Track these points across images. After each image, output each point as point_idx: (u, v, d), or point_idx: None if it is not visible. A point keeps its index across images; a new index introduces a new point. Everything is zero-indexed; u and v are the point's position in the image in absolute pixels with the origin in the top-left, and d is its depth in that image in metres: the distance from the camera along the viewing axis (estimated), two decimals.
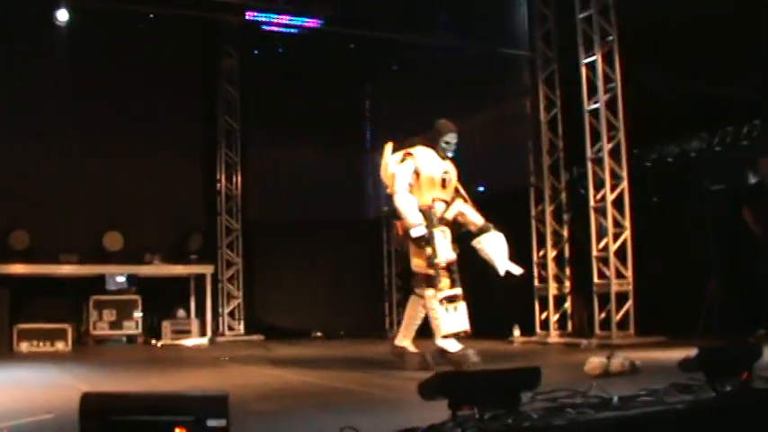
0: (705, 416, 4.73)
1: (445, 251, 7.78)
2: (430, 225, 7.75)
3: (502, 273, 8.11)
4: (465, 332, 7.76)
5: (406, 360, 8.15)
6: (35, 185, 13.28)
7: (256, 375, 8.41)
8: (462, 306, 7.74)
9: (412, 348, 8.26)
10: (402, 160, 8.09)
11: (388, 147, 8.38)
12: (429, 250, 7.72)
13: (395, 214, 8.03)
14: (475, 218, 8.23)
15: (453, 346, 7.76)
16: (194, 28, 14.69)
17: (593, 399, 4.92)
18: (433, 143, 8.15)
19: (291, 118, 14.99)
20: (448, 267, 7.73)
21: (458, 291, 7.71)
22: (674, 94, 10.50)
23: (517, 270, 8.26)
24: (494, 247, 8.04)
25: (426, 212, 7.83)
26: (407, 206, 7.82)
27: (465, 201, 8.31)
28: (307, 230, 15.10)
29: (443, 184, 8.10)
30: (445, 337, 7.73)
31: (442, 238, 7.85)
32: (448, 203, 8.14)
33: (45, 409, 5.48)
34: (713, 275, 10.19)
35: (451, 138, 8.17)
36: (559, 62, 12.12)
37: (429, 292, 7.77)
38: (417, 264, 7.96)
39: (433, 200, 7.98)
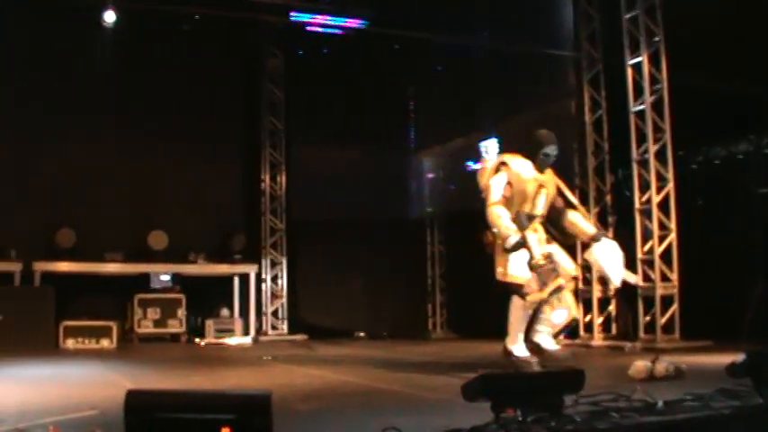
0: (752, 422, 4.66)
1: (538, 249, 7.46)
2: (521, 229, 7.49)
3: (617, 284, 7.85)
4: (574, 319, 7.56)
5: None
6: (81, 184, 13.47)
7: (299, 375, 8.43)
8: (566, 295, 7.61)
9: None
10: (496, 170, 7.79)
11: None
12: (527, 254, 7.41)
13: (486, 223, 7.76)
14: (585, 227, 7.90)
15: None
16: (238, 29, 14.79)
17: (638, 403, 4.88)
18: (531, 155, 7.80)
19: (335, 118, 15.02)
20: (548, 258, 7.50)
21: (560, 281, 7.48)
22: (721, 95, 10.38)
23: (633, 278, 7.98)
24: (607, 257, 7.66)
25: (516, 219, 7.54)
26: (499, 219, 7.53)
27: (575, 208, 8.04)
28: (350, 230, 15.12)
29: (537, 197, 7.76)
30: (556, 335, 7.66)
31: (535, 238, 7.56)
32: (537, 217, 7.79)
33: (90, 405, 5.54)
34: (760, 279, 10.05)
35: (551, 150, 7.79)
36: (605, 63, 12.03)
37: (517, 301, 7.55)
38: (502, 272, 7.64)
39: (518, 212, 7.63)
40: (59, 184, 13.31)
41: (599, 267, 7.88)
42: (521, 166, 7.76)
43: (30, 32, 13.08)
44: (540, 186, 7.76)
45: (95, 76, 13.42)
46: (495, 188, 7.68)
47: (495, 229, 7.58)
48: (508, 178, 7.68)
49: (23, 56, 13.14)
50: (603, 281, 10.90)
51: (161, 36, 13.95)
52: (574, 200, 8.05)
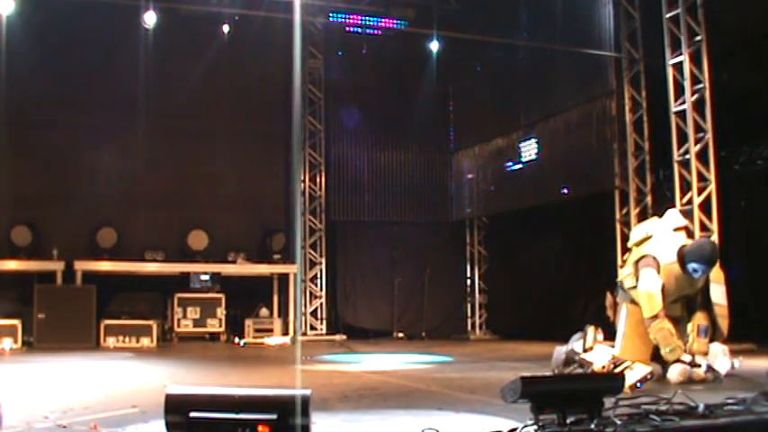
0: None
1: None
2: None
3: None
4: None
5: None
6: (122, 184, 13.62)
7: (338, 375, 8.45)
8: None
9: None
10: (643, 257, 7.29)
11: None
12: None
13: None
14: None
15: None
16: (278, 29, 14.83)
17: (679, 406, 4.82)
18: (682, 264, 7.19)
19: (374, 119, 15.06)
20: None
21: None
22: (764, 94, 10.25)
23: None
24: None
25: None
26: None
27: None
28: (389, 231, 15.15)
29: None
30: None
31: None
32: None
33: (130, 403, 5.59)
34: None
35: (698, 267, 7.09)
36: (645, 62, 11.92)
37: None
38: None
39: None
40: (101, 184, 13.45)
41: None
42: (671, 272, 7.22)
43: (73, 34, 13.22)
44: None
45: (137, 77, 13.46)
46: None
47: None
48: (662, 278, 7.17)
49: (65, 57, 13.30)
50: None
51: (202, 37, 14.05)
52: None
